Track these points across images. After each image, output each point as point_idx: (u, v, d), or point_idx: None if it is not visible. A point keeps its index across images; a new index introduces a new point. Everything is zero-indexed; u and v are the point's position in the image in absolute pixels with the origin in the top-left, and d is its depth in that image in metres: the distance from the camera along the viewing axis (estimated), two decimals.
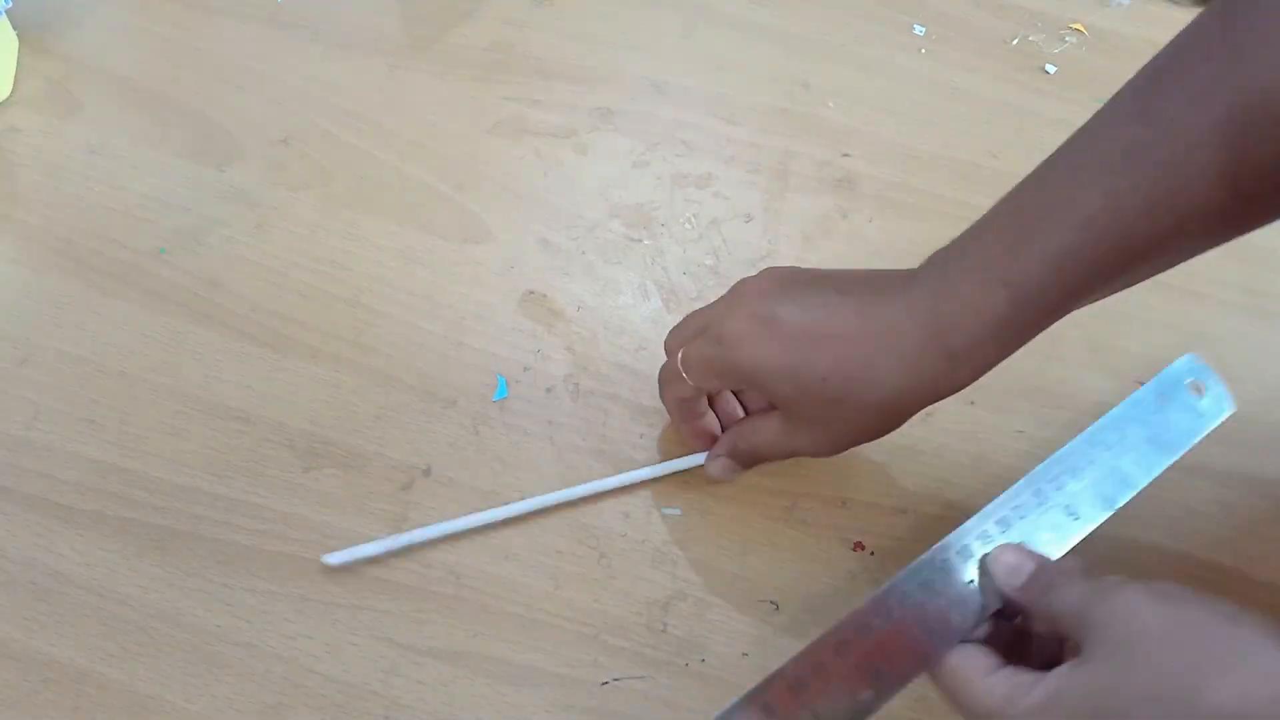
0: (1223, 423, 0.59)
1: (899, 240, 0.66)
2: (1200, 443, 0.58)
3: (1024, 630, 0.44)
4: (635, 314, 0.63)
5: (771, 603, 0.53)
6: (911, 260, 0.65)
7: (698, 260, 0.65)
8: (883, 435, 0.49)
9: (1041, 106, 0.73)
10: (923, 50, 0.75)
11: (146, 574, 0.53)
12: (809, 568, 0.54)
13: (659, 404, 0.59)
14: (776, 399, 0.49)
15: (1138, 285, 0.64)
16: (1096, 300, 0.47)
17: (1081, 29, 0.79)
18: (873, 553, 0.55)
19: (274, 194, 0.67)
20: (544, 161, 0.69)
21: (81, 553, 0.54)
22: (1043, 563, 0.44)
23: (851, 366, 0.46)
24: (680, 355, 0.52)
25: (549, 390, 0.60)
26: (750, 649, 0.52)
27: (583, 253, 0.65)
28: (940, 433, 0.59)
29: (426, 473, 0.57)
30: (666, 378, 0.54)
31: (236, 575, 0.53)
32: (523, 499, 0.56)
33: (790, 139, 0.70)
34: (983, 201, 0.67)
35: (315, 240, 0.65)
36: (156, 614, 0.52)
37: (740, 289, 0.51)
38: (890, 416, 0.48)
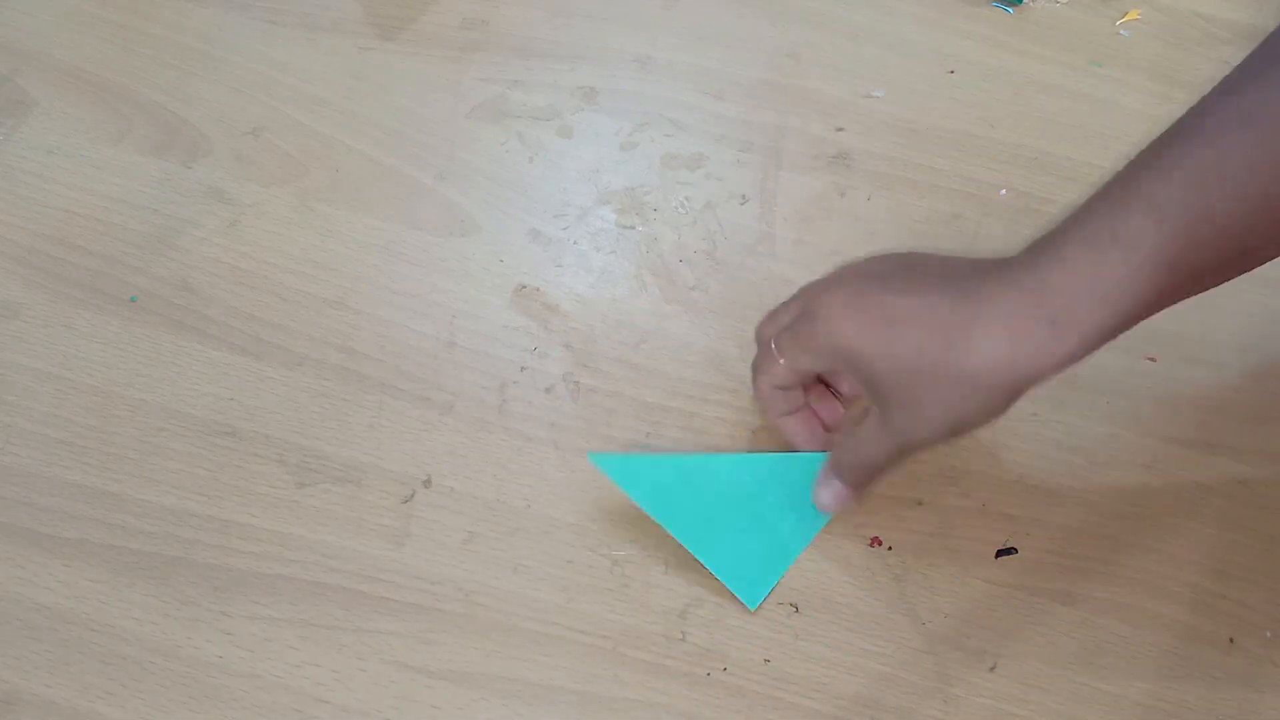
0: (1238, 399, 0.59)
1: (900, 218, 0.64)
2: (1216, 421, 0.57)
3: None
4: (633, 306, 0.60)
5: (791, 605, 0.52)
6: (914, 238, 0.63)
7: (694, 246, 0.62)
8: (990, 417, 0.44)
9: (1039, 72, 0.71)
10: (913, 16, 0.73)
11: (139, 605, 0.51)
12: (826, 566, 0.53)
13: (664, 400, 0.57)
14: (871, 379, 0.46)
15: None
16: (1209, 285, 0.44)
17: None
18: (890, 548, 0.54)
19: (246, 190, 0.64)
20: (527, 146, 0.66)
21: (68, 585, 0.51)
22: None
23: (946, 336, 0.43)
24: (776, 339, 0.50)
25: (549, 390, 0.57)
26: (772, 654, 0.51)
27: (574, 243, 0.63)
28: None
29: (427, 484, 0.54)
30: (759, 365, 0.52)
31: (235, 602, 0.51)
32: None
33: (781, 114, 0.68)
34: (983, 174, 0.66)
35: (293, 239, 0.62)
36: (153, 647, 0.50)
37: (839, 271, 0.50)
38: (992, 392, 0.43)
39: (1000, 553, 0.54)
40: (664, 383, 0.58)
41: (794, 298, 0.52)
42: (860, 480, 0.50)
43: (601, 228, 0.63)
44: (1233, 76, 0.43)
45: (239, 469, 0.55)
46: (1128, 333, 0.60)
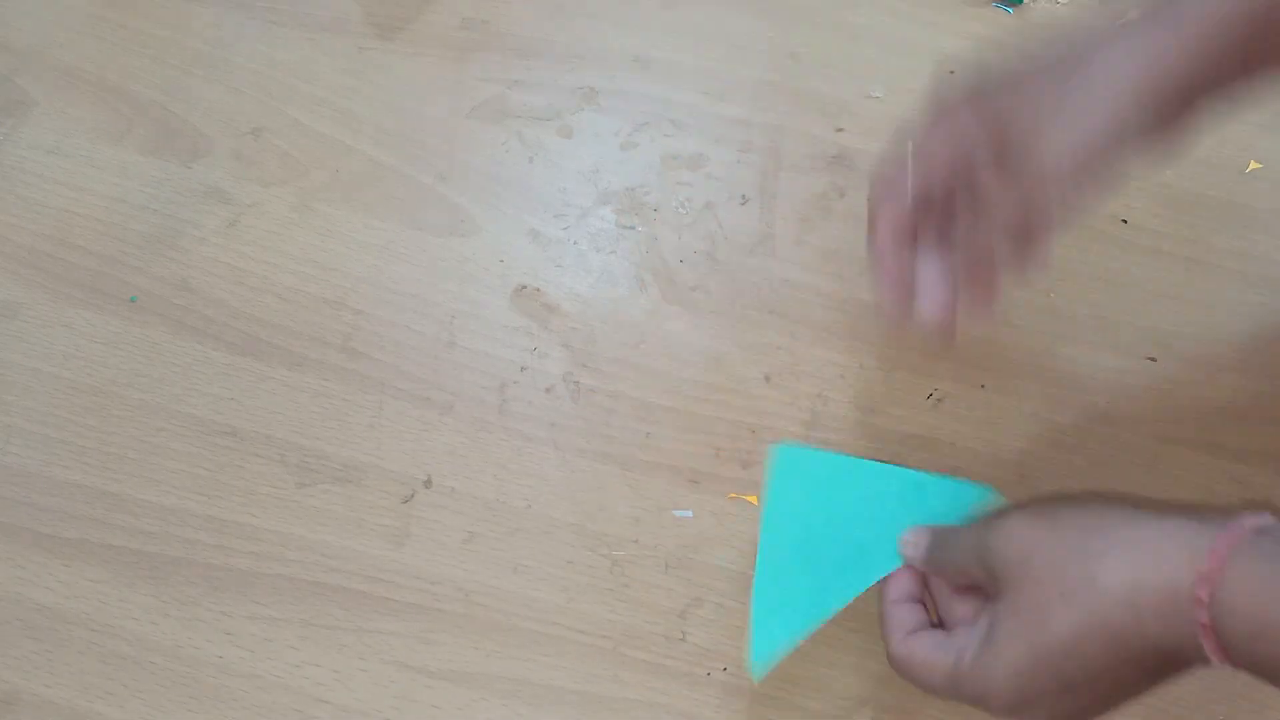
0: (1237, 400, 0.58)
1: None
2: (1216, 421, 0.58)
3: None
4: (633, 306, 0.60)
5: None
6: None
7: (694, 247, 0.62)
8: None
9: None
10: (913, 16, 0.73)
11: (139, 605, 0.51)
12: None
13: (664, 400, 0.57)
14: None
15: (1141, 255, 0.63)
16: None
17: None
18: None
19: (246, 190, 0.64)
20: (527, 146, 0.66)
21: (68, 585, 0.51)
22: (935, 531, 0.47)
23: None
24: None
25: (548, 390, 0.57)
26: None
27: (574, 243, 0.63)
28: (952, 419, 0.57)
29: (427, 484, 0.55)
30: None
31: (235, 602, 0.51)
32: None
33: (781, 114, 0.68)
34: None
35: (292, 239, 0.62)
36: (154, 647, 0.50)
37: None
38: None
39: None
40: (664, 383, 0.58)
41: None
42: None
43: (601, 228, 0.63)
44: None
45: (239, 469, 0.55)
46: (1128, 334, 0.60)
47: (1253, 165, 0.66)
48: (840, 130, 0.67)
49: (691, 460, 0.55)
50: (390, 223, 0.63)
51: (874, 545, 0.48)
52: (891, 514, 0.49)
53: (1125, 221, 0.64)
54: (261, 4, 0.72)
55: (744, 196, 0.64)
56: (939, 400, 0.58)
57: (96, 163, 0.64)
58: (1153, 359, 0.59)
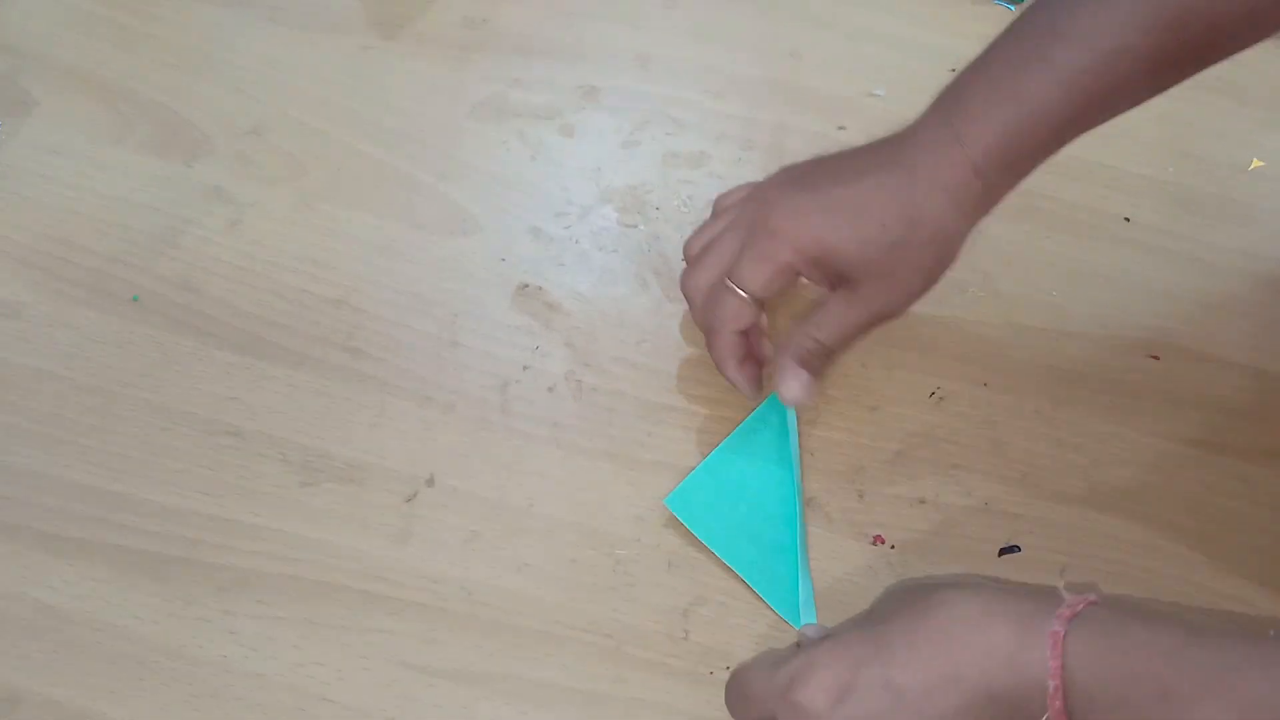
0: (1241, 398, 0.58)
1: None
2: (1219, 420, 0.57)
3: None
4: (635, 305, 0.60)
5: None
6: None
7: None
8: (942, 271, 0.50)
9: None
10: (915, 15, 0.73)
11: (143, 604, 0.51)
12: (829, 565, 0.53)
13: (665, 399, 0.57)
14: (845, 264, 0.49)
15: (1144, 253, 0.63)
16: (1104, 121, 0.49)
17: None
18: (893, 546, 0.54)
19: (247, 189, 0.64)
20: (528, 145, 0.66)
21: (72, 584, 0.51)
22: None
23: (903, 207, 0.47)
24: (733, 275, 0.51)
25: (550, 389, 0.57)
26: None
27: (576, 241, 0.62)
28: (955, 417, 0.57)
29: (429, 483, 0.55)
30: (721, 314, 0.52)
31: (238, 601, 0.51)
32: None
33: (783, 112, 0.68)
34: None
35: (294, 238, 0.62)
36: (157, 647, 0.50)
37: (765, 189, 0.52)
38: (945, 246, 0.49)
39: (1003, 551, 0.54)
40: (665, 382, 0.58)
41: (712, 245, 0.53)
42: (824, 363, 0.52)
43: (603, 226, 0.63)
44: None
45: (242, 468, 0.55)
46: (1131, 332, 0.60)
47: (1255, 163, 0.66)
48: (842, 128, 0.67)
49: (693, 459, 0.55)
50: (392, 222, 0.63)
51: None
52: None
53: (1128, 219, 0.64)
54: (262, 4, 0.72)
55: None
56: (941, 398, 0.58)
57: (98, 162, 0.64)
58: (1155, 357, 0.59)
